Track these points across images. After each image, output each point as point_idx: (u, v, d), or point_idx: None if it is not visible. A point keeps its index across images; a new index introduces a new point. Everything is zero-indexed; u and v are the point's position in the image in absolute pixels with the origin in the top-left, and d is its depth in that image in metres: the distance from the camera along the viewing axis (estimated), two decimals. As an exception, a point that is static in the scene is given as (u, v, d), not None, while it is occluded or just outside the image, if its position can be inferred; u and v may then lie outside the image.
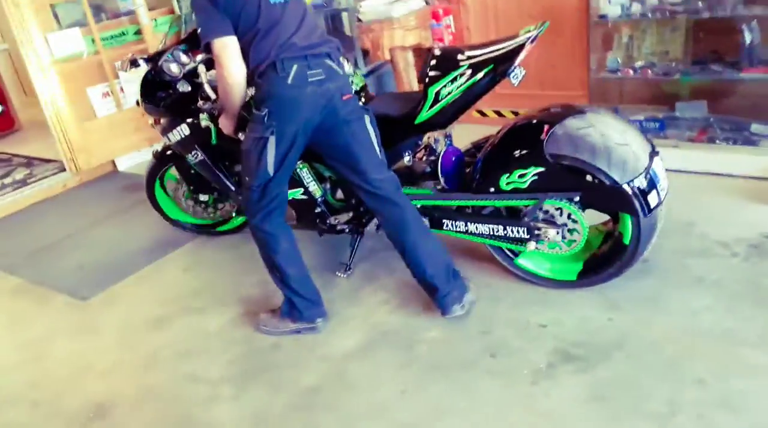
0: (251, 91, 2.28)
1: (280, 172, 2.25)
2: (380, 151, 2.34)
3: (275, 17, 2.14)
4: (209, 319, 2.66)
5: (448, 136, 2.58)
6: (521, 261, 2.49)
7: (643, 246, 2.26)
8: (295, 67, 2.12)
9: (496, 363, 2.14)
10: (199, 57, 2.66)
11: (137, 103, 2.92)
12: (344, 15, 4.48)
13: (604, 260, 2.37)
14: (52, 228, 3.83)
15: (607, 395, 1.93)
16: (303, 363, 2.31)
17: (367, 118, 2.30)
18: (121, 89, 4.68)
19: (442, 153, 2.51)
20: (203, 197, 3.19)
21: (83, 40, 4.44)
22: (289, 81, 2.11)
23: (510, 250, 2.49)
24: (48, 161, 4.96)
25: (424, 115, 2.38)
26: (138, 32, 4.73)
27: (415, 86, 4.01)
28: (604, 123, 2.24)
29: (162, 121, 2.90)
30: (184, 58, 2.66)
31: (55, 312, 2.92)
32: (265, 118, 2.16)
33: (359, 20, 3.76)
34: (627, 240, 2.25)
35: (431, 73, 2.32)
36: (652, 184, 2.17)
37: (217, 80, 2.28)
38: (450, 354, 2.22)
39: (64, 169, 4.66)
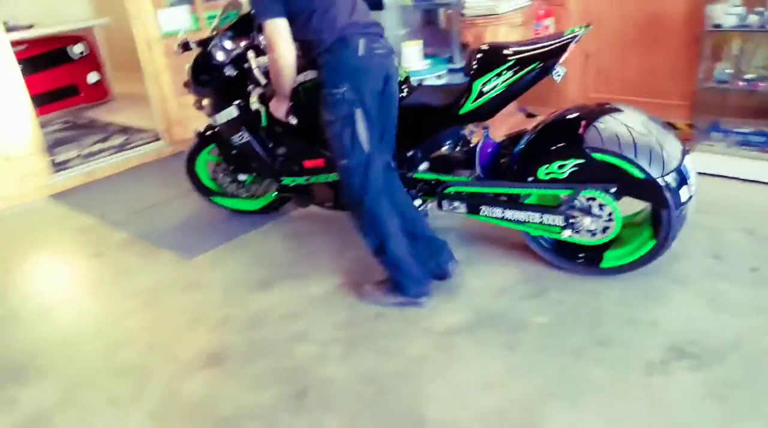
0: (311, 75, 2.39)
1: (375, 144, 2.33)
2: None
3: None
4: (312, 286, 2.74)
5: (486, 128, 2.69)
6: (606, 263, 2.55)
7: (671, 239, 2.38)
8: (362, 40, 2.25)
9: (607, 354, 2.15)
10: (244, 43, 2.83)
11: (185, 84, 3.07)
12: (441, 10, 4.56)
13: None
14: (151, 192, 4.00)
15: (725, 394, 1.92)
16: (407, 335, 2.36)
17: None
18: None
19: (480, 143, 2.64)
20: (242, 177, 3.30)
21: (190, 18, 4.62)
22: (360, 53, 2.24)
23: (593, 256, 2.56)
24: (142, 130, 5.17)
25: (468, 106, 2.47)
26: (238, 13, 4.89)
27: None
28: (640, 121, 2.38)
29: (208, 102, 3.03)
30: (229, 44, 2.83)
31: (161, 266, 3.05)
32: (345, 94, 2.24)
33: (462, 15, 3.80)
34: (607, 264, 2.51)
35: (477, 68, 2.42)
36: (684, 180, 2.32)
37: (268, 63, 2.36)
38: (558, 341, 2.24)
39: (158, 139, 4.85)
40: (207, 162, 3.40)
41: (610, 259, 2.52)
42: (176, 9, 4.54)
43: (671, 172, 2.28)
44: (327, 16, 2.23)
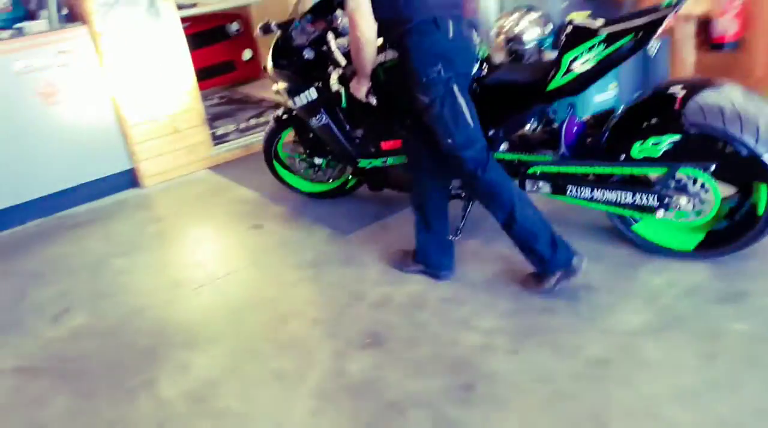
0: (391, 54, 2.34)
1: (476, 119, 2.29)
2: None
3: None
4: (469, 271, 2.62)
5: (572, 106, 2.47)
6: (639, 228, 2.51)
7: None
8: (451, 23, 2.19)
9: (829, 373, 1.84)
10: (323, 26, 2.80)
11: (264, 68, 3.09)
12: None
13: (731, 232, 2.37)
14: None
15: None
16: (583, 333, 2.17)
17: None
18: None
19: (566, 121, 2.49)
20: (318, 160, 3.31)
21: None
22: (450, 35, 2.19)
23: (630, 217, 2.48)
24: (293, 107, 5.27)
25: (558, 81, 2.34)
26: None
27: (691, 58, 3.64)
28: (740, 96, 2.25)
29: (285, 86, 3.02)
30: (309, 27, 2.80)
31: (318, 241, 3.06)
32: (441, 72, 2.19)
33: (642, -17, 3.46)
34: (761, 211, 2.24)
35: (567, 41, 2.30)
36: None
37: (350, 40, 2.28)
38: (763, 352, 1.95)
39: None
40: (284, 145, 3.47)
41: (760, 203, 2.26)
42: None
43: None
44: None
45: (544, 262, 2.31)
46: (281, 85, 3.07)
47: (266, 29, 2.99)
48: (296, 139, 3.37)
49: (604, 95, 3.36)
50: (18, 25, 3.71)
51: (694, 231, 2.47)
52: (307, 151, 3.33)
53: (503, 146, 2.65)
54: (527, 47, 3.81)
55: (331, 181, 3.45)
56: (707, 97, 2.24)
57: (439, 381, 2.04)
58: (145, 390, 2.20)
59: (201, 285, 2.81)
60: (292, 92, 3.00)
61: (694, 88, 2.30)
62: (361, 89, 2.50)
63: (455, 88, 2.22)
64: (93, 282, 2.99)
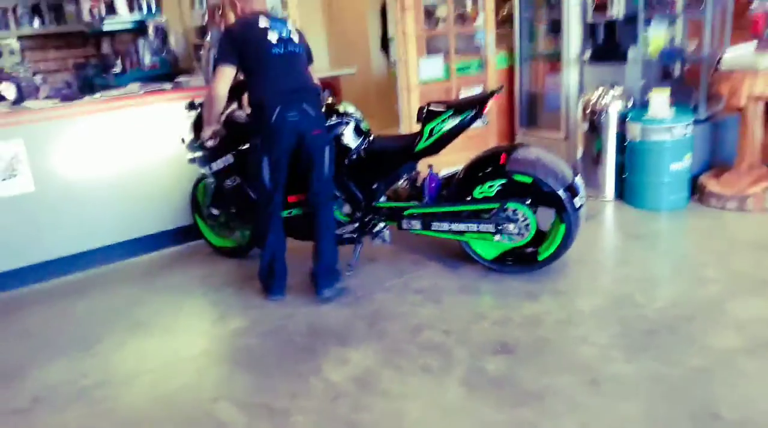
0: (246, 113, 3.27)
1: (275, 184, 3.13)
2: (328, 171, 3.24)
3: (273, 65, 3.03)
4: (577, 301, 3.05)
5: (430, 166, 3.49)
6: (475, 248, 3.46)
7: (574, 233, 3.20)
8: (278, 108, 3.00)
9: None
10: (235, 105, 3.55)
11: (182, 140, 3.72)
12: (678, 64, 4.77)
13: (516, 260, 3.40)
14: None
15: None
16: (684, 349, 2.57)
17: (327, 148, 3.22)
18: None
19: (427, 177, 3.44)
20: (215, 211, 3.94)
21: (443, 67, 5.26)
22: (272, 120, 3.00)
23: (531, 256, 3.35)
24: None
25: (423, 144, 3.29)
26: (480, 66, 5.46)
27: (759, 135, 4.11)
28: (541, 153, 3.28)
29: (202, 154, 3.62)
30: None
31: (434, 272, 3.53)
32: (258, 144, 3.08)
33: (716, 69, 3.99)
34: (540, 258, 3.31)
35: (426, 116, 3.27)
36: (576, 192, 3.19)
37: (205, 94, 3.25)
38: None
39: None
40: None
41: (542, 253, 3.29)
42: (433, 59, 5.19)
43: (567, 185, 3.16)
44: (265, 79, 3.03)
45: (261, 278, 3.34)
46: (197, 154, 3.67)
47: (191, 106, 3.67)
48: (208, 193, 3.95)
49: (681, 163, 3.93)
50: (179, 79, 4.40)
51: (496, 250, 3.42)
52: (212, 203, 3.90)
53: (383, 198, 3.50)
54: (608, 119, 4.36)
55: (225, 238, 4.02)
56: (521, 153, 3.25)
57: (567, 379, 2.44)
58: (314, 374, 2.65)
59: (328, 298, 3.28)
60: (209, 159, 3.61)
61: (511, 148, 3.33)
62: (204, 133, 3.26)
63: (264, 160, 3.08)
64: (242, 296, 3.48)
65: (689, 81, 4.62)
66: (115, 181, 4.01)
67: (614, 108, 4.33)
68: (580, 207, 3.20)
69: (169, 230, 4.27)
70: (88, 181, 3.94)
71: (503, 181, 3.19)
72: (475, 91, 5.40)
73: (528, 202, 3.20)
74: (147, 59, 5.53)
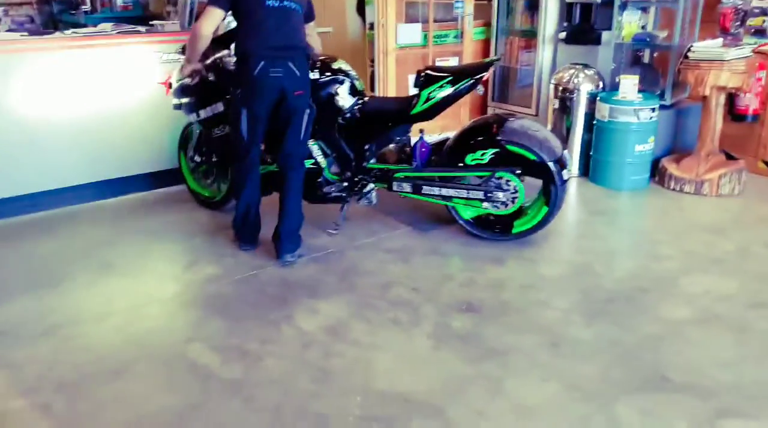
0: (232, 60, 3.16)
1: (253, 137, 3.10)
2: (304, 134, 3.19)
3: (264, 16, 2.95)
4: (541, 267, 3.19)
5: (422, 131, 3.53)
6: (460, 213, 3.50)
7: (558, 208, 3.28)
8: (262, 63, 2.95)
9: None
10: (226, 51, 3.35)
11: (170, 85, 3.63)
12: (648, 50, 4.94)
13: (492, 226, 3.47)
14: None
15: None
16: (639, 318, 2.73)
17: (307, 111, 3.16)
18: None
19: (418, 142, 3.48)
20: (197, 158, 3.88)
21: (420, 35, 5.27)
22: (255, 72, 2.95)
23: (504, 227, 3.45)
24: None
25: (419, 108, 3.32)
26: (457, 36, 5.50)
27: (719, 125, 4.31)
28: (533, 125, 3.34)
29: (189, 100, 3.55)
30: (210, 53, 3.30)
31: (404, 235, 3.61)
32: (239, 95, 3.04)
33: (686, 57, 4.14)
34: (514, 231, 3.40)
35: (424, 81, 3.29)
36: (565, 165, 3.25)
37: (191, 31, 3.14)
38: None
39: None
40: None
41: (517, 226, 3.38)
42: (411, 26, 5.20)
43: (557, 158, 3.21)
44: (254, 31, 2.97)
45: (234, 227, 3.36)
46: (183, 100, 3.59)
47: (184, 50, 3.36)
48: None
49: (645, 146, 4.09)
50: (154, 22, 4.29)
51: (475, 212, 3.47)
52: (196, 150, 3.86)
53: (373, 160, 3.52)
54: (577, 97, 4.49)
55: (207, 188, 3.96)
56: (513, 124, 3.29)
57: (530, 340, 2.57)
58: (285, 322, 2.71)
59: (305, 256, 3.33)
60: (197, 106, 3.54)
61: (504, 119, 3.36)
62: (185, 70, 3.25)
63: (243, 112, 3.05)
64: (215, 245, 3.49)
65: (658, 68, 4.78)
66: (84, 121, 3.93)
67: (585, 88, 4.45)
68: (567, 180, 3.28)
69: (140, 174, 4.21)
70: (55, 118, 3.84)
71: (496, 151, 3.25)
72: (451, 61, 5.46)
73: (518, 172, 3.25)
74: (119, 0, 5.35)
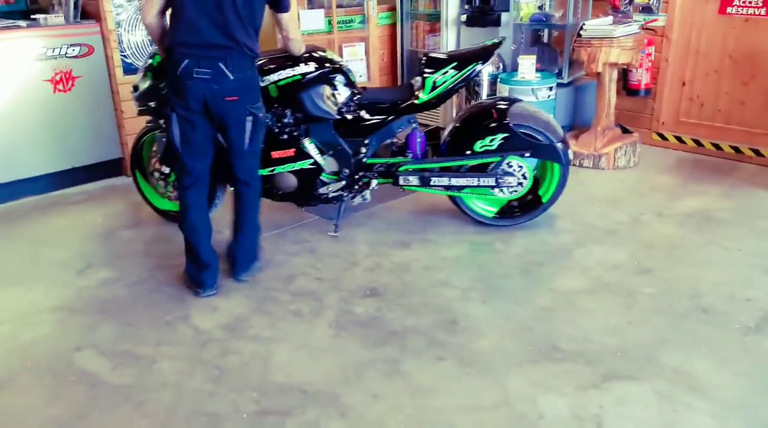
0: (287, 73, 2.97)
1: (187, 147, 2.66)
2: (249, 145, 2.74)
3: (193, 6, 2.48)
4: (443, 249, 3.23)
5: (414, 122, 3.35)
6: (469, 205, 3.43)
7: (566, 180, 3.33)
8: (186, 61, 2.52)
9: (708, 318, 2.57)
10: None
11: (134, 88, 3.19)
12: (546, 30, 5.09)
13: (519, 211, 3.44)
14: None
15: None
16: (534, 290, 2.82)
17: (248, 121, 2.69)
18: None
19: (409, 133, 3.32)
20: (166, 170, 3.34)
21: (324, 21, 5.22)
22: (178, 72, 2.54)
23: (534, 202, 3.44)
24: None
25: (425, 97, 3.22)
26: (362, 21, 5.48)
27: (613, 100, 4.48)
28: (536, 109, 3.35)
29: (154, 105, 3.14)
30: None
31: (311, 226, 3.58)
32: (169, 96, 2.67)
33: (579, 36, 4.28)
34: (545, 200, 3.38)
35: (426, 70, 3.22)
36: (568, 145, 3.30)
37: None
38: (666, 305, 2.67)
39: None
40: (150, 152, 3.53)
41: (545, 194, 3.40)
42: (315, 11, 5.14)
43: (561, 139, 3.24)
44: (183, 24, 2.52)
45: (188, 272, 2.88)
46: (152, 104, 3.16)
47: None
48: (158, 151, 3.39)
49: None
50: (36, 16, 4.05)
51: (494, 206, 3.46)
52: (162, 160, 3.34)
53: (372, 155, 3.33)
54: (481, 81, 4.57)
55: (170, 200, 3.51)
56: (519, 108, 3.25)
57: (429, 319, 2.61)
58: (182, 322, 2.64)
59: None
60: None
61: (509, 103, 3.29)
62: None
63: (172, 116, 2.63)
64: (111, 247, 3.35)
65: (557, 47, 4.93)
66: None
67: (486, 70, 4.52)
68: (571, 159, 3.32)
69: (29, 178, 4.00)
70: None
71: (506, 135, 3.18)
72: (358, 47, 5.45)
73: (527, 154, 3.21)
74: (0, -7, 5.01)
